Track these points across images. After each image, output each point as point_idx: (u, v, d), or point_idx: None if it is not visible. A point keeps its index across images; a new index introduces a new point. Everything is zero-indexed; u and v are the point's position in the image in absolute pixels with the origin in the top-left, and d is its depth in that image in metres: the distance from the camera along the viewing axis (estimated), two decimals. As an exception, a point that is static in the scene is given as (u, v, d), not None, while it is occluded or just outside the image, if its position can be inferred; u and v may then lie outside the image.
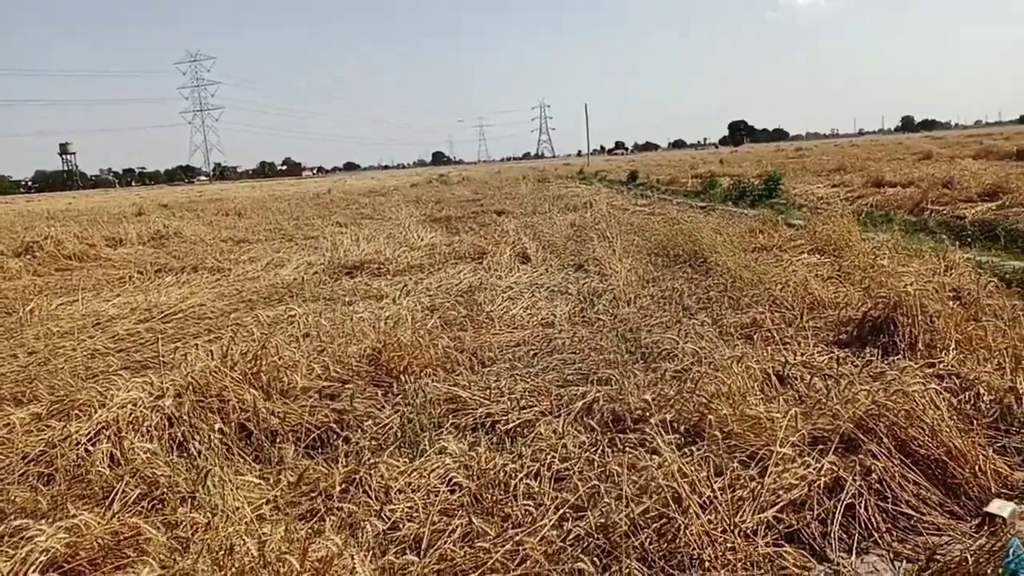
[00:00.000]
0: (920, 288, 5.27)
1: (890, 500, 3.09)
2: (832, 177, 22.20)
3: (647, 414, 3.89)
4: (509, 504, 3.12)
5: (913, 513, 3.05)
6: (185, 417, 4.11)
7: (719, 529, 2.80)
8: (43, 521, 3.01)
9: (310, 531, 2.85)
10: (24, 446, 3.96)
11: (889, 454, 3.25)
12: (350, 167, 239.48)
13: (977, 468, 3.26)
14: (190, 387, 4.35)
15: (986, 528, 2.93)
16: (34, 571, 2.67)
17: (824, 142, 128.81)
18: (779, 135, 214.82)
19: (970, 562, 2.61)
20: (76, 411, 4.25)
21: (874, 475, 3.15)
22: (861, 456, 3.24)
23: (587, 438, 3.69)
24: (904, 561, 2.81)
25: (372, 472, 3.40)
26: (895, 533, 2.97)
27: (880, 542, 2.92)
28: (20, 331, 7.28)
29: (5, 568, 2.65)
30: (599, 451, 3.54)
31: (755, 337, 5.37)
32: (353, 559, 2.55)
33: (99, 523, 2.96)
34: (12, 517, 3.16)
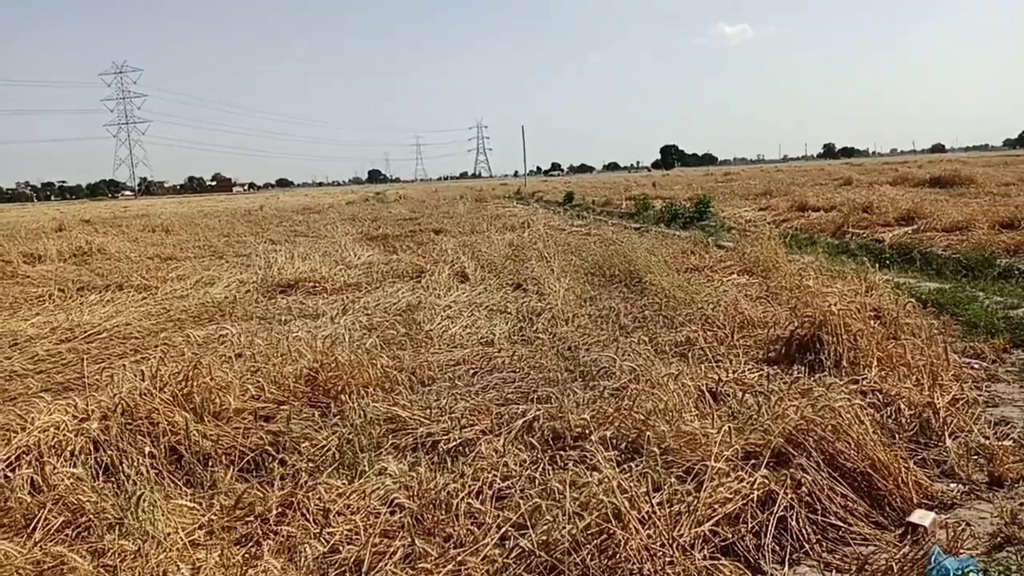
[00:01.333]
0: (844, 308, 5.50)
1: (820, 512, 3.20)
2: (759, 201, 23.01)
3: (587, 431, 3.94)
4: (451, 524, 3.11)
5: (842, 524, 3.17)
6: (112, 441, 3.95)
7: (658, 543, 2.86)
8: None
9: (247, 556, 2.78)
10: (-64, 473, 3.74)
11: (818, 467, 3.37)
12: (283, 183, 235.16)
13: (900, 480, 3.41)
14: (117, 409, 4.19)
15: (909, 537, 3.06)
16: (-52, 606, 2.53)
17: (751, 167, 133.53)
18: (708, 159, 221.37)
19: (895, 570, 2.74)
20: (-7, 435, 4.04)
21: (804, 488, 3.26)
22: (792, 470, 3.36)
23: (528, 456, 3.72)
24: (835, 571, 2.91)
25: (310, 495, 3.34)
26: (825, 544, 3.08)
27: (811, 553, 3.02)
28: (-71, 352, 6.88)
29: (-84, 603, 2.50)
30: (540, 469, 3.56)
31: (689, 355, 5.51)
32: (294, 582, 2.49)
33: (20, 552, 2.83)
34: (-78, 548, 2.98)
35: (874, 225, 13.53)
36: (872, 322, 5.66)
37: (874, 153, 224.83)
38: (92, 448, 3.93)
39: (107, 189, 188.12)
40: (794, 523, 3.10)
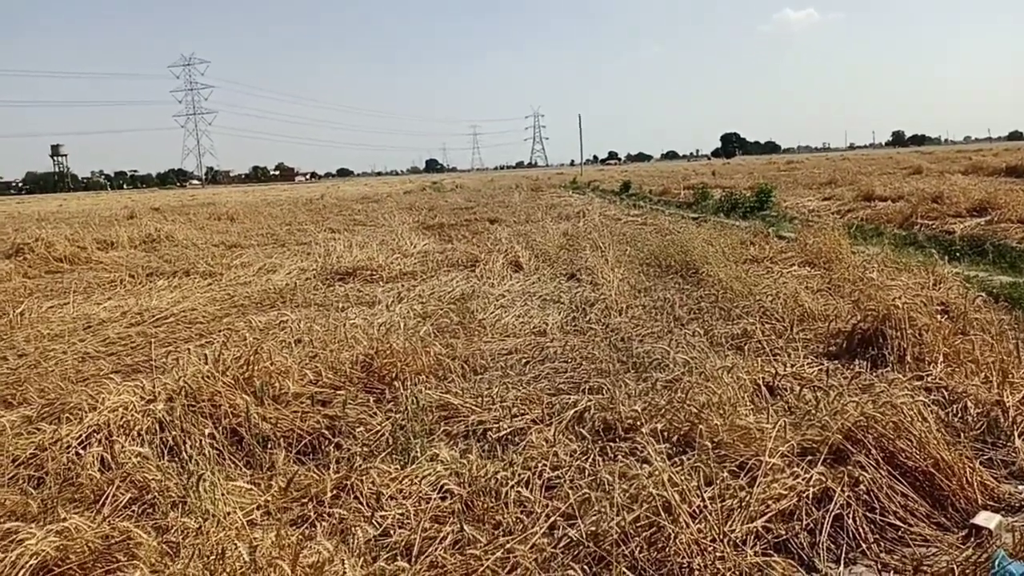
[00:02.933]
0: (909, 302, 5.32)
1: (878, 511, 3.11)
2: (823, 190, 22.37)
3: (638, 423, 3.91)
4: (500, 511, 3.13)
5: (901, 524, 3.08)
6: (177, 421, 4.10)
7: (709, 538, 2.82)
8: (33, 524, 3.00)
9: (301, 536, 2.85)
10: (14, 449, 3.95)
11: (877, 465, 3.28)
12: (343, 173, 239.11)
13: (964, 480, 3.29)
14: (182, 391, 4.35)
15: (972, 540, 2.95)
16: (24, 574, 2.66)
17: (816, 155, 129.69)
18: (771, 148, 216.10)
19: (957, 573, 2.65)
20: (67, 414, 4.24)
21: (862, 486, 3.17)
22: (850, 467, 3.27)
23: (578, 446, 3.71)
24: (892, 572, 2.83)
25: (363, 478, 3.41)
26: (883, 544, 3.00)
27: (868, 553, 2.95)
28: (10, 334, 7.25)
29: (-5, 571, 2.64)
30: (590, 460, 3.56)
31: (745, 348, 5.41)
32: (344, 564, 2.55)
33: (90, 527, 2.95)
34: (2, 520, 3.16)
35: (944, 216, 13.00)
36: (939, 316, 5.46)
37: (946, 141, 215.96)
38: (158, 428, 4.09)
39: (176, 178, 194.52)
40: (851, 522, 3.03)
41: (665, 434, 3.75)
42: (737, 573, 2.73)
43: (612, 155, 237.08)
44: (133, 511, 3.35)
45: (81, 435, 3.97)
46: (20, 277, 11.96)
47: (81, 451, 3.87)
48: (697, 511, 2.94)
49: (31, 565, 2.72)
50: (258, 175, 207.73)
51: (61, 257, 13.59)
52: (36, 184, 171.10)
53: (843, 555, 2.92)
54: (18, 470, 3.82)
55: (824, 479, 3.19)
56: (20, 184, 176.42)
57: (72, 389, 4.94)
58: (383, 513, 3.13)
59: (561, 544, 2.87)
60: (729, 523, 2.91)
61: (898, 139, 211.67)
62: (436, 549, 2.85)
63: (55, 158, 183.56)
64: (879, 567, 2.87)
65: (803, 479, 3.18)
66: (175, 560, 2.71)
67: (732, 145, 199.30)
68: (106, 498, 3.42)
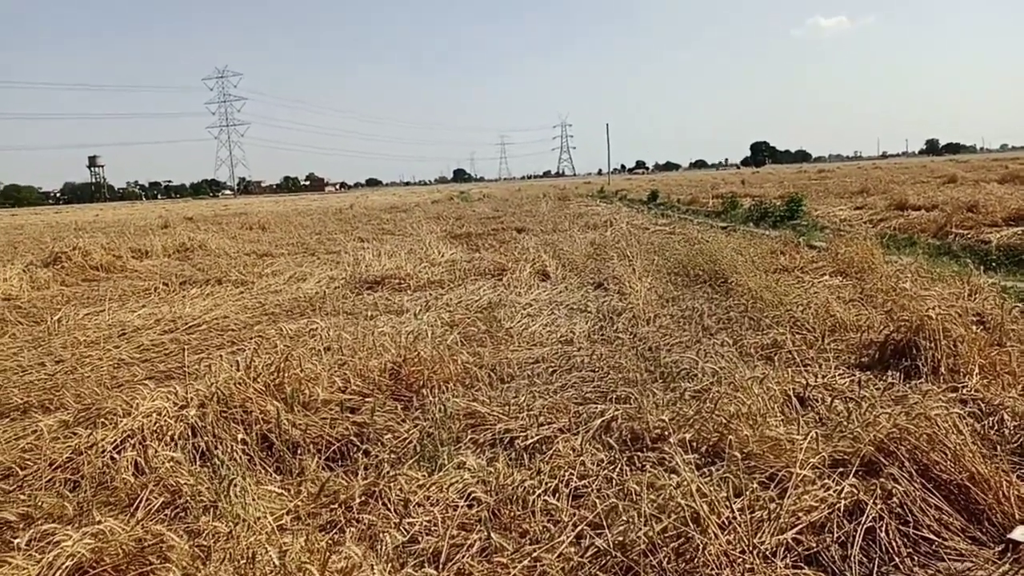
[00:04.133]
0: (943, 312, 5.22)
1: (911, 524, 3.06)
2: (855, 199, 22.05)
3: (666, 433, 3.89)
4: (527, 520, 3.14)
5: (935, 538, 3.02)
6: (209, 427, 4.17)
7: (738, 550, 2.80)
8: (69, 527, 3.07)
9: (330, 542, 2.88)
10: (51, 453, 4.04)
11: (910, 478, 3.22)
12: (372, 183, 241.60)
13: (1000, 494, 3.22)
14: (214, 397, 4.42)
15: (1009, 555, 2.89)
16: (61, 575, 2.72)
17: (847, 164, 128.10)
18: (801, 156, 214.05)
19: (993, 589, 2.59)
20: (102, 419, 4.33)
21: (895, 499, 3.12)
22: (882, 479, 3.22)
23: (605, 456, 3.70)
24: (925, 587, 2.78)
25: (392, 485, 3.43)
26: (916, 558, 2.94)
27: (901, 567, 2.89)
28: (48, 340, 7.41)
29: (33, 571, 2.70)
30: (617, 469, 3.54)
31: (776, 358, 5.35)
32: (373, 570, 2.57)
33: (124, 529, 3.01)
34: (39, 522, 3.23)
35: (980, 225, 12.75)
36: (975, 327, 5.35)
37: (982, 149, 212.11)
38: (190, 433, 4.16)
39: (208, 188, 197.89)
40: (883, 535, 2.98)
41: (693, 444, 3.73)
42: (767, 585, 2.70)
43: (639, 164, 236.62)
44: (166, 515, 3.40)
45: (116, 440, 4.05)
46: (58, 285, 12.22)
47: (116, 455, 3.95)
48: (726, 522, 2.91)
49: (67, 566, 2.78)
50: (289, 185, 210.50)
51: (97, 265, 13.87)
52: (73, 194, 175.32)
53: (875, 569, 2.87)
54: (55, 473, 3.91)
55: (856, 491, 3.14)
56: (58, 194, 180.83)
57: (107, 394, 5.04)
58: (411, 520, 3.15)
59: (588, 553, 2.86)
60: (759, 535, 2.88)
61: (932, 147, 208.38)
62: (463, 556, 2.86)
63: (92, 169, 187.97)
64: (913, 582, 2.81)
65: (834, 491, 3.13)
66: (206, 564, 2.76)
67: (761, 154, 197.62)
68: (139, 502, 3.48)
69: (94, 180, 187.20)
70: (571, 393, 4.88)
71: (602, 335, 6.60)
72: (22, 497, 3.65)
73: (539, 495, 3.28)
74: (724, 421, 3.81)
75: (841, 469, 3.33)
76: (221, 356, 6.03)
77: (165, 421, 4.20)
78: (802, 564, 2.84)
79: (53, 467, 3.94)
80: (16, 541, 2.97)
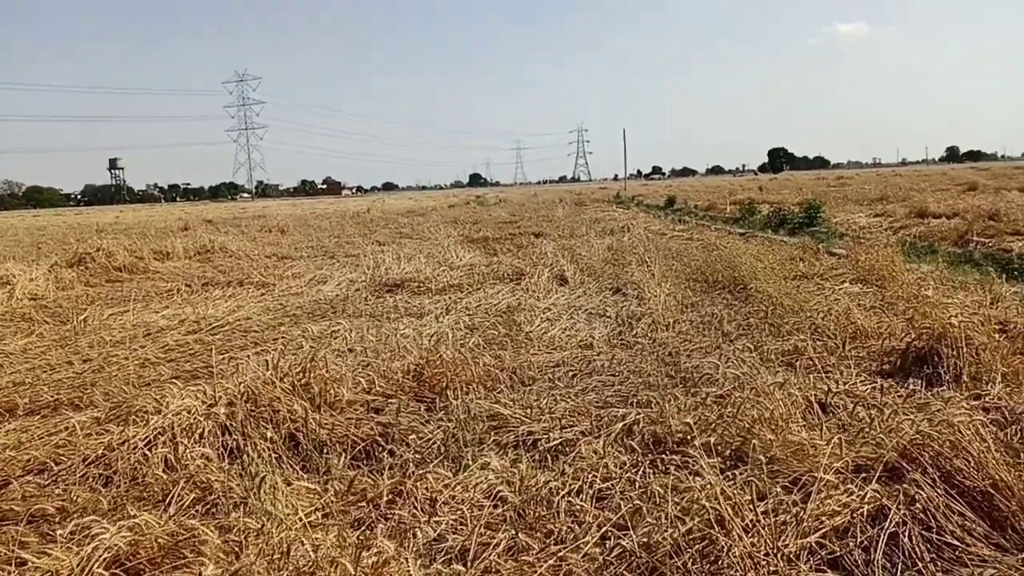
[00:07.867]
0: (965, 320, 5.22)
1: (934, 530, 3.07)
2: (875, 207, 21.95)
3: (689, 437, 3.92)
4: (552, 520, 3.18)
5: (958, 544, 3.04)
6: (238, 425, 4.25)
7: (762, 552, 2.83)
8: (105, 520, 3.15)
9: (361, 537, 2.94)
10: (85, 449, 4.13)
11: (933, 484, 3.24)
12: (388, 187, 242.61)
13: (1024, 502, 3.23)
14: (242, 396, 4.50)
15: (1033, 562, 2.90)
16: (99, 567, 2.80)
17: (866, 171, 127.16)
18: (820, 163, 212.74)
19: (1017, 594, 2.60)
20: (133, 416, 4.42)
21: (918, 504, 3.14)
22: (905, 485, 3.23)
23: (628, 459, 3.74)
24: (949, 592, 2.80)
25: (418, 484, 3.49)
26: (939, 563, 2.96)
27: (924, 572, 2.91)
28: (75, 339, 7.55)
29: (74, 562, 2.78)
30: (640, 472, 3.58)
31: (797, 364, 5.37)
32: (408, 563, 2.63)
33: (158, 524, 3.08)
34: (76, 515, 3.32)
35: (1001, 233, 12.68)
36: (997, 335, 5.34)
37: (1003, 157, 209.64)
38: (220, 432, 4.24)
39: (227, 191, 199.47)
40: (906, 540, 2.99)
41: (716, 448, 3.76)
42: (791, 588, 2.72)
43: (656, 169, 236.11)
44: (197, 510, 3.47)
45: (147, 437, 4.14)
46: (82, 285, 12.41)
47: (147, 452, 4.03)
48: (750, 525, 2.94)
49: (105, 558, 2.85)
50: (306, 189, 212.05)
51: (120, 267, 14.06)
52: (94, 196, 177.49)
53: (898, 573, 2.89)
54: (88, 468, 3.99)
55: (879, 496, 3.16)
56: (79, 196, 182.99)
57: (136, 393, 5.14)
58: (438, 518, 3.20)
59: (614, 553, 2.90)
60: (782, 538, 2.91)
61: (952, 155, 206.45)
62: (491, 554, 2.90)
63: (112, 171, 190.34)
64: (936, 587, 2.83)
65: (857, 496, 3.15)
66: (239, 558, 2.82)
67: (779, 160, 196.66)
68: (172, 497, 3.56)
69: (114, 182, 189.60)
70: (592, 397, 4.92)
71: (622, 340, 6.63)
72: (57, 491, 3.75)
73: (563, 496, 3.32)
74: (747, 426, 3.84)
75: (864, 475, 3.35)
76: (247, 356, 6.12)
77: (195, 419, 4.29)
78: (825, 568, 2.87)
79: (86, 462, 4.03)
80: (57, 533, 3.05)
